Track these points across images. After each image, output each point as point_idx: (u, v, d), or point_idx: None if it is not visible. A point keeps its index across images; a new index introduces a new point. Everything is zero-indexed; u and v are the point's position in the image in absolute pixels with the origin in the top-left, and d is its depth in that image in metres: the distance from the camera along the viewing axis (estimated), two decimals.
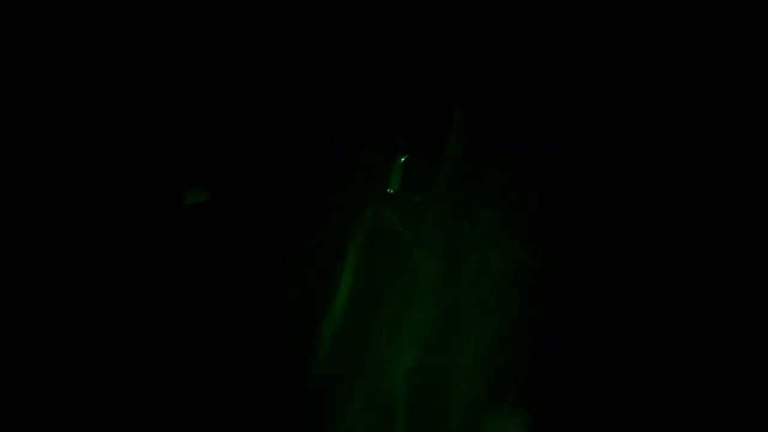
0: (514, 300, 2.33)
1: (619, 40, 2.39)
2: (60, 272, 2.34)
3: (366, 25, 2.42)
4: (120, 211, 2.38)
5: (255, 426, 2.31)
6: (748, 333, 2.30)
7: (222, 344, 2.35)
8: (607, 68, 2.39)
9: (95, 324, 2.33)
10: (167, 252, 2.38)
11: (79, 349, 2.32)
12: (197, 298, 2.36)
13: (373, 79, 2.41)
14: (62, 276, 2.34)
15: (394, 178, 2.36)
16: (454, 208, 2.39)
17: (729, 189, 2.35)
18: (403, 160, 2.36)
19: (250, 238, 2.40)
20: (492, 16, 2.41)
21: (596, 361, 2.30)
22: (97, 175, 2.39)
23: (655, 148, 2.38)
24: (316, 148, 2.42)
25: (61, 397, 2.30)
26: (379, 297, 2.36)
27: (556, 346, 2.32)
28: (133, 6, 2.41)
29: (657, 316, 2.33)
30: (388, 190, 2.35)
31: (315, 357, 2.32)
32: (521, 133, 2.40)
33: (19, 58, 2.38)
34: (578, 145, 2.39)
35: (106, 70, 2.40)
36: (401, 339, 2.31)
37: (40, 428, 2.28)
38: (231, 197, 2.41)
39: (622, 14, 2.38)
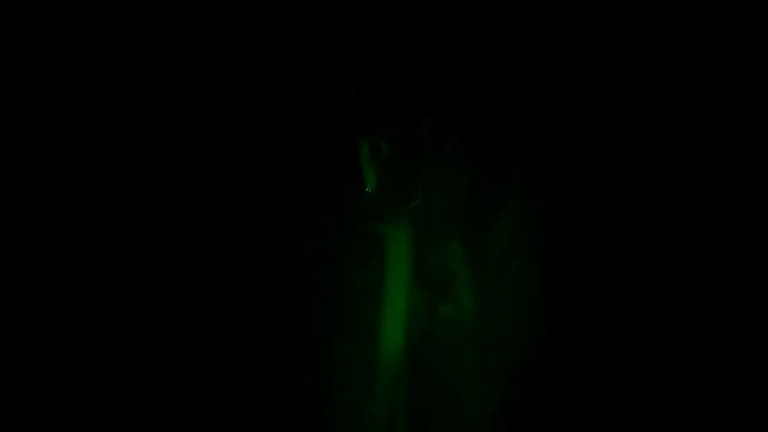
0: (515, 303, 2.33)
1: (620, 40, 2.38)
2: (60, 272, 2.35)
3: (366, 25, 2.42)
4: (120, 211, 2.39)
5: (257, 424, 2.32)
6: (748, 333, 2.30)
7: (221, 345, 2.35)
8: (608, 68, 2.39)
9: (95, 324, 2.34)
10: (166, 252, 2.38)
11: (79, 349, 2.33)
12: (197, 298, 2.36)
13: (373, 79, 2.41)
14: (62, 276, 2.35)
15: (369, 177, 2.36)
16: (453, 208, 2.39)
17: (730, 189, 2.35)
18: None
19: (248, 238, 2.40)
20: (492, 16, 2.41)
21: (603, 366, 2.31)
22: (96, 175, 2.39)
23: (657, 149, 2.38)
24: (315, 148, 2.42)
25: (61, 397, 2.30)
26: (378, 295, 2.36)
27: (559, 348, 2.32)
28: (133, 6, 2.41)
29: (663, 320, 2.33)
30: (367, 189, 2.34)
31: (315, 357, 2.33)
32: (521, 133, 2.40)
33: (19, 58, 2.38)
34: (579, 146, 2.39)
35: (106, 70, 2.40)
36: (405, 338, 2.31)
37: (40, 428, 2.28)
38: (229, 197, 2.41)
39: (623, 14, 2.38)
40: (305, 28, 2.43)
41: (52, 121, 2.38)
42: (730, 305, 2.32)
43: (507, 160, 2.40)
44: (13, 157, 2.36)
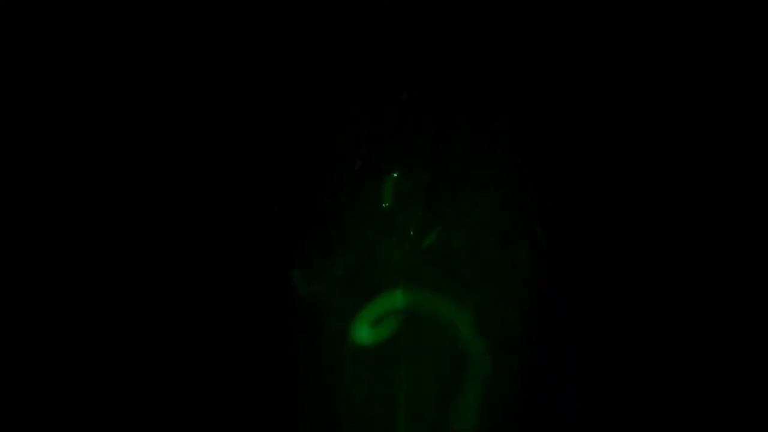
0: (510, 306, 2.34)
1: (619, 41, 2.39)
2: (62, 273, 2.36)
3: (366, 25, 2.42)
4: (122, 212, 2.40)
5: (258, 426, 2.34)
6: (748, 334, 2.30)
7: (220, 349, 2.36)
8: (606, 68, 2.39)
9: (98, 324, 2.35)
10: (167, 254, 2.39)
11: (82, 349, 2.34)
12: (196, 301, 2.37)
13: (373, 80, 2.41)
14: (64, 276, 2.36)
15: (386, 194, 2.36)
16: (453, 209, 2.40)
17: (730, 190, 2.36)
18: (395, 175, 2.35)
19: (247, 240, 2.40)
20: (491, 17, 2.41)
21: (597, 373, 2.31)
22: (97, 175, 2.40)
23: (654, 150, 2.38)
24: (315, 149, 2.43)
25: (61, 397, 2.31)
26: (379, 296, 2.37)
27: (554, 355, 2.33)
28: (133, 6, 2.41)
29: (660, 323, 2.33)
30: (384, 205, 2.35)
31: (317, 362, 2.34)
32: (520, 134, 2.40)
33: (19, 58, 2.38)
34: (578, 147, 2.40)
35: (106, 70, 2.41)
36: (402, 342, 2.32)
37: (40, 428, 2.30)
38: (229, 199, 2.42)
39: (621, 14, 2.38)
40: (305, 29, 2.43)
41: (51, 120, 2.39)
42: (724, 303, 2.32)
43: (506, 160, 2.41)
44: (13, 157, 2.37)
